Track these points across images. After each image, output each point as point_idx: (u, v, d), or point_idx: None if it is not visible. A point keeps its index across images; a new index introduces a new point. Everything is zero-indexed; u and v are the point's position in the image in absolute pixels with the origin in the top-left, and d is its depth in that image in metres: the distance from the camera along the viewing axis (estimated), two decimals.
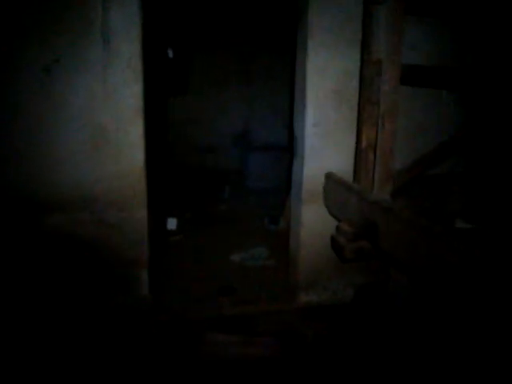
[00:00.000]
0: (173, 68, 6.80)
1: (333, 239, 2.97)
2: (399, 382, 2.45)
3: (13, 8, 2.70)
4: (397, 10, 2.45)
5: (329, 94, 3.11)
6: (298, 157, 3.30)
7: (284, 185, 5.22)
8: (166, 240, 4.61)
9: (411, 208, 2.63)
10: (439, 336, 2.44)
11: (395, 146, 2.64)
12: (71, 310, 3.02)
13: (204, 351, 2.77)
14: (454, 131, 3.19)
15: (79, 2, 2.74)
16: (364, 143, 2.76)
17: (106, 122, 2.91)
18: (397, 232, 2.24)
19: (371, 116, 2.68)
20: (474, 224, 2.44)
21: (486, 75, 2.93)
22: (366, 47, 2.66)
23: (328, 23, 3.02)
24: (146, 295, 3.16)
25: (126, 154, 2.96)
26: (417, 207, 2.70)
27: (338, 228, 2.93)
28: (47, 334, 2.83)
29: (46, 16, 2.74)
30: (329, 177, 3.10)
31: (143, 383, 2.56)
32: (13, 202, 2.90)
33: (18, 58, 2.76)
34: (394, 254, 2.29)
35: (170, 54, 6.87)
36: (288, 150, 4.44)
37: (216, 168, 7.07)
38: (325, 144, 3.17)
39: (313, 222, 3.26)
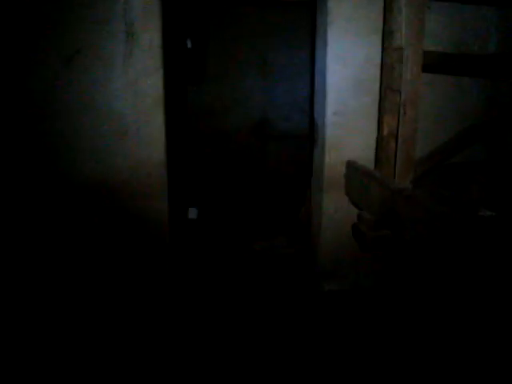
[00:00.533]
0: (191, 57, 6.80)
1: (354, 227, 2.97)
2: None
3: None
4: None
5: (349, 82, 3.09)
6: (319, 145, 3.30)
7: (304, 173, 5.21)
8: (187, 229, 4.65)
9: (433, 196, 2.62)
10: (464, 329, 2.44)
11: (417, 134, 2.61)
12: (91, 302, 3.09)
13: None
14: (476, 119, 3.14)
15: None
16: (385, 131, 2.73)
17: (127, 112, 2.94)
18: (418, 220, 2.23)
19: (392, 104, 2.65)
20: (497, 212, 2.41)
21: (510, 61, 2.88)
22: (387, 34, 2.62)
23: (348, 10, 2.99)
24: (167, 287, 3.20)
25: (146, 143, 2.99)
26: (438, 196, 2.68)
27: (359, 216, 2.93)
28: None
29: (67, 5, 2.77)
30: (350, 165, 3.10)
31: None
32: (33, 193, 2.96)
33: (40, 48, 2.80)
34: (415, 242, 2.28)
35: (189, 44, 6.88)
36: (308, 138, 4.42)
37: (235, 156, 7.07)
38: (345, 132, 3.16)
39: (334, 210, 3.26)
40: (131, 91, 2.93)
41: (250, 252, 4.22)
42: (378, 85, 2.97)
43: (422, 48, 2.48)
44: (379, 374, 2.46)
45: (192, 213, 4.91)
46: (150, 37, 2.88)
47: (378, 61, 2.94)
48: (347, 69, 3.08)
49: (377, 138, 2.91)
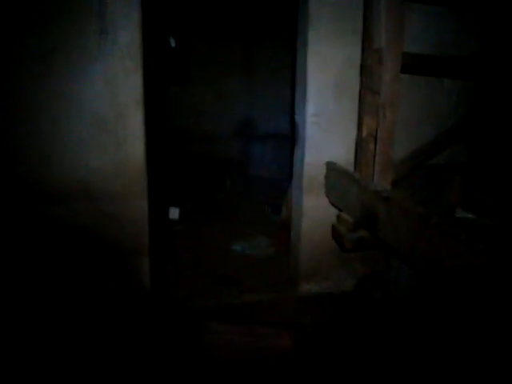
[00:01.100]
0: (174, 57, 6.77)
1: (333, 228, 2.98)
2: (398, 372, 2.46)
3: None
4: None
5: (330, 83, 3.10)
6: (299, 146, 3.29)
7: (287, 174, 5.22)
8: (167, 229, 4.62)
9: (411, 198, 2.63)
10: (439, 328, 2.45)
11: (396, 136, 2.63)
12: (70, 298, 3.03)
13: (204, 341, 2.79)
14: (457, 120, 3.17)
15: None
16: (365, 133, 2.75)
17: (106, 112, 2.90)
18: (395, 221, 2.23)
19: (372, 105, 2.66)
20: (475, 214, 2.43)
21: (490, 64, 2.90)
22: (366, 35, 2.64)
23: (329, 12, 2.99)
24: (147, 283, 3.17)
25: (125, 143, 2.95)
26: (417, 197, 2.69)
27: (338, 217, 2.94)
28: (44, 324, 2.84)
29: (42, 3, 2.72)
30: (330, 166, 3.10)
31: (140, 373, 2.57)
32: (13, 192, 2.91)
33: (14, 46, 2.74)
34: (392, 243, 2.29)
35: (173, 43, 6.84)
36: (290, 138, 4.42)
37: (218, 157, 7.05)
38: (326, 133, 3.16)
39: (314, 211, 3.26)
40: (110, 90, 2.89)
41: (229, 253, 4.19)
42: (358, 86, 2.97)
43: (401, 49, 2.49)
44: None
45: (173, 213, 4.89)
46: (130, 36, 2.83)
47: (359, 62, 2.94)
48: (327, 70, 3.08)
49: (356, 139, 2.91)
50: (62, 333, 2.79)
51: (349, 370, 2.58)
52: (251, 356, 2.68)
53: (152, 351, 2.69)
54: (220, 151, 7.10)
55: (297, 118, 3.33)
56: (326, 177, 3.14)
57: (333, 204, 3.09)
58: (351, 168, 3.03)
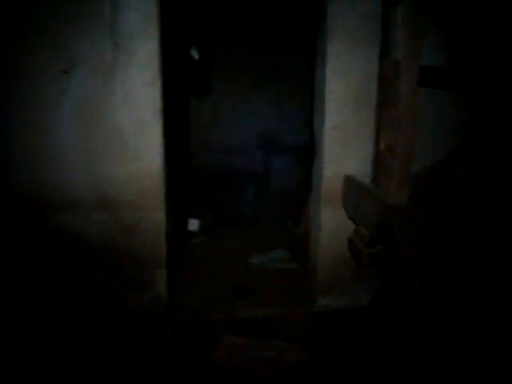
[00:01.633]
0: (196, 68, 6.84)
1: (350, 243, 2.94)
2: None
3: (30, 11, 2.76)
4: (415, 10, 2.40)
5: (348, 96, 3.07)
6: (318, 159, 3.28)
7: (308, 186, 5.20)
8: (186, 241, 4.64)
9: (429, 212, 2.58)
10: (458, 346, 2.38)
11: (413, 149, 2.59)
12: (87, 309, 3.06)
13: (218, 353, 2.77)
14: (474, 134, 3.11)
15: (95, 2, 2.78)
16: (382, 146, 2.71)
17: (124, 123, 2.94)
18: (412, 236, 2.19)
19: (389, 118, 2.63)
20: (490, 230, 2.37)
21: (507, 77, 2.85)
22: (384, 48, 2.62)
23: (348, 25, 2.98)
24: (163, 295, 3.17)
25: (143, 155, 2.98)
26: (435, 212, 2.64)
27: (355, 231, 2.90)
28: (56, 334, 2.87)
29: (62, 18, 2.78)
30: (348, 179, 3.07)
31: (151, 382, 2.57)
32: (29, 203, 2.97)
33: (36, 59, 2.81)
34: (409, 259, 2.25)
35: (196, 55, 6.93)
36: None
37: (240, 169, 7.07)
38: (344, 146, 3.13)
39: (332, 225, 3.22)
40: (129, 102, 2.93)
41: (248, 266, 4.18)
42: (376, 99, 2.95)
43: (419, 62, 2.46)
44: None
45: (193, 224, 4.90)
46: (148, 48, 2.88)
47: (378, 75, 2.92)
48: (346, 83, 3.06)
49: (374, 153, 2.88)
50: (75, 340, 2.81)
51: None
52: (265, 370, 2.66)
53: (165, 361, 2.69)
54: (242, 163, 7.11)
55: (315, 130, 3.32)
56: (344, 190, 3.11)
57: (350, 217, 3.06)
58: (370, 181, 3.00)
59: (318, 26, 3.17)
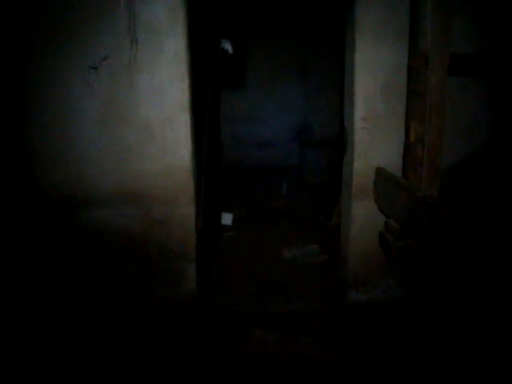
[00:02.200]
0: (230, 62, 6.87)
1: (381, 236, 2.90)
2: None
3: (60, 9, 2.83)
4: None
5: (377, 87, 3.04)
6: (348, 152, 3.25)
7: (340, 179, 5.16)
8: (219, 235, 4.67)
9: (459, 205, 2.52)
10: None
11: (444, 141, 2.53)
12: (117, 303, 3.13)
13: (247, 347, 2.79)
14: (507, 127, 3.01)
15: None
16: (412, 137, 2.66)
17: (152, 118, 2.99)
18: (442, 230, 2.15)
19: (419, 109, 2.57)
20: None
21: None
22: (412, 38, 2.55)
23: (376, 16, 2.95)
24: (193, 289, 3.22)
25: (171, 150, 3.03)
26: (465, 205, 2.58)
27: (385, 224, 2.86)
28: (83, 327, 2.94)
29: (91, 15, 2.84)
30: (379, 172, 3.03)
31: (182, 376, 2.60)
32: (57, 199, 3.05)
33: (67, 56, 2.88)
34: (438, 252, 2.20)
35: (230, 49, 6.96)
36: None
37: (274, 163, 7.07)
38: (374, 138, 3.10)
39: (363, 218, 3.20)
40: (157, 97, 2.97)
41: (279, 260, 4.19)
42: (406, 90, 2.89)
43: (448, 51, 2.40)
44: None
45: (226, 218, 4.94)
46: (175, 44, 2.91)
47: (407, 66, 2.86)
48: (375, 74, 3.02)
49: (404, 144, 2.83)
50: (102, 333, 2.88)
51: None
52: (292, 366, 2.66)
53: (194, 355, 2.72)
54: (276, 157, 7.12)
55: (345, 123, 3.28)
56: (375, 183, 3.07)
57: (381, 210, 3.01)
58: (400, 173, 2.95)
59: (346, 17, 3.12)
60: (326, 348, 2.75)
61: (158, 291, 3.21)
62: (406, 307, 3.02)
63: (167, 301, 3.17)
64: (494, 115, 3.10)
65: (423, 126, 2.56)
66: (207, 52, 3.98)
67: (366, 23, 2.95)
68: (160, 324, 3.00)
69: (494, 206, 2.64)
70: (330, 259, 4.09)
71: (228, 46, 7.12)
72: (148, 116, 3.00)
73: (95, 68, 2.90)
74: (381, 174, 2.99)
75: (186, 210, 3.13)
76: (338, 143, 6.11)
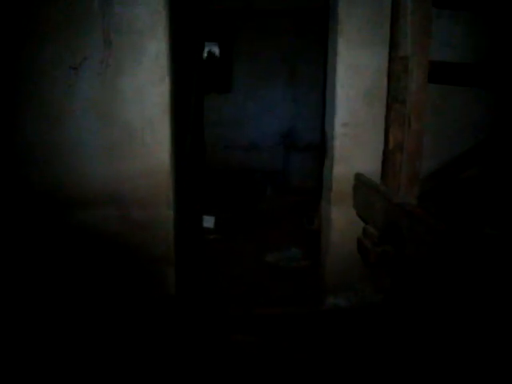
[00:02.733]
0: (216, 65, 6.86)
1: (359, 242, 2.88)
2: None
3: (40, 11, 2.79)
4: (424, 2, 2.33)
5: (359, 93, 3.03)
6: (328, 157, 3.23)
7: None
8: (200, 238, 4.63)
9: (438, 212, 2.51)
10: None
11: (423, 147, 2.52)
12: (93, 305, 3.08)
13: (225, 351, 2.76)
14: (493, 132, 3.01)
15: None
16: (391, 144, 2.64)
17: (133, 121, 2.96)
18: (419, 237, 2.14)
19: (398, 115, 2.56)
20: (501, 231, 2.29)
21: None
22: (392, 43, 2.54)
23: (359, 19, 2.94)
24: (172, 292, 3.18)
25: (151, 152, 3.00)
26: (444, 212, 2.57)
27: (364, 230, 2.84)
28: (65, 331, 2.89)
29: (71, 16, 2.81)
30: (358, 177, 3.02)
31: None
32: (42, 199, 3.01)
33: (46, 57, 2.84)
34: (416, 259, 2.19)
35: (217, 51, 6.94)
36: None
37: (259, 167, 7.05)
38: (355, 144, 3.09)
39: (342, 223, 3.18)
40: (138, 99, 2.94)
41: (261, 264, 4.17)
42: None
43: (428, 58, 2.39)
44: None
45: (208, 221, 4.90)
46: (157, 46, 2.88)
47: None
48: (358, 79, 3.01)
49: (383, 151, 2.82)
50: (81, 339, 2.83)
51: None
52: (271, 371, 2.63)
53: (173, 359, 2.69)
54: (260, 161, 7.10)
55: (326, 128, 3.27)
56: (354, 188, 3.05)
57: (360, 216, 3.00)
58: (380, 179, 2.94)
59: (329, 21, 3.11)
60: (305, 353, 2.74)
61: (137, 294, 3.16)
62: (384, 313, 3.01)
63: (146, 303, 3.12)
64: (474, 123, 3.10)
65: (402, 132, 2.55)
66: (191, 55, 3.95)
67: (349, 27, 2.93)
68: (138, 327, 2.96)
69: (472, 212, 2.64)
70: (311, 263, 4.07)
71: (215, 49, 7.11)
72: (129, 118, 2.96)
73: (75, 68, 2.86)
74: (360, 179, 2.98)
75: (165, 212, 3.09)
76: (319, 148, 6.15)
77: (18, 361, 2.58)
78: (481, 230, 2.33)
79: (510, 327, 1.77)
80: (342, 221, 3.18)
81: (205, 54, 6.57)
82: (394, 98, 2.58)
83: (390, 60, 2.61)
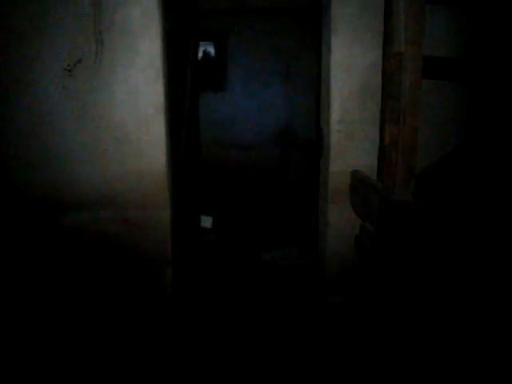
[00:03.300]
0: (211, 63, 6.85)
1: (356, 239, 2.88)
2: None
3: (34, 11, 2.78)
4: None
5: (354, 90, 3.02)
6: (324, 154, 3.22)
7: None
8: (198, 238, 4.63)
9: (434, 209, 2.50)
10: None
11: (418, 143, 2.51)
12: (91, 306, 3.07)
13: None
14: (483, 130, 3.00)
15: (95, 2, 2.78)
16: (387, 140, 2.63)
17: (128, 121, 2.95)
18: (415, 233, 2.13)
19: (393, 112, 2.54)
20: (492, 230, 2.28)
21: None
22: (386, 39, 2.53)
23: (352, 16, 2.93)
24: (169, 292, 3.17)
25: (147, 152, 2.99)
26: (439, 209, 2.56)
27: (361, 228, 2.84)
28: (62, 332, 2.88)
29: (66, 18, 2.79)
30: (354, 175, 3.01)
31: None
32: (36, 201, 3.00)
33: (40, 58, 2.82)
34: (412, 257, 2.19)
35: (212, 50, 6.93)
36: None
37: (256, 165, 7.04)
38: (351, 141, 3.08)
39: (339, 221, 3.18)
40: (132, 100, 2.94)
41: (259, 262, 4.16)
42: None
43: (422, 53, 2.38)
44: None
45: (205, 221, 4.89)
46: (150, 45, 2.88)
47: None
48: (352, 76, 3.01)
49: (379, 147, 2.81)
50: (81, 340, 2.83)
51: None
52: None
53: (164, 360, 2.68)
54: (258, 159, 7.09)
55: (322, 125, 3.26)
56: (351, 186, 3.04)
57: (357, 213, 2.99)
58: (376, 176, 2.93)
59: (322, 18, 3.11)
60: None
61: (134, 294, 3.15)
62: (382, 309, 3.00)
63: (143, 303, 3.12)
64: (469, 120, 3.09)
65: (397, 128, 2.54)
66: (186, 54, 3.94)
67: (342, 23, 2.93)
68: (136, 328, 2.95)
69: (468, 207, 2.63)
70: (309, 261, 4.06)
71: (210, 49, 7.10)
72: (124, 119, 2.96)
73: (69, 70, 2.85)
74: (356, 176, 2.97)
75: (162, 212, 3.09)
76: (315, 146, 6.14)
77: (17, 361, 2.57)
78: (472, 228, 2.32)
79: None
80: (338, 218, 3.18)
81: (200, 54, 6.57)
82: (389, 95, 2.57)
83: (384, 56, 2.60)
